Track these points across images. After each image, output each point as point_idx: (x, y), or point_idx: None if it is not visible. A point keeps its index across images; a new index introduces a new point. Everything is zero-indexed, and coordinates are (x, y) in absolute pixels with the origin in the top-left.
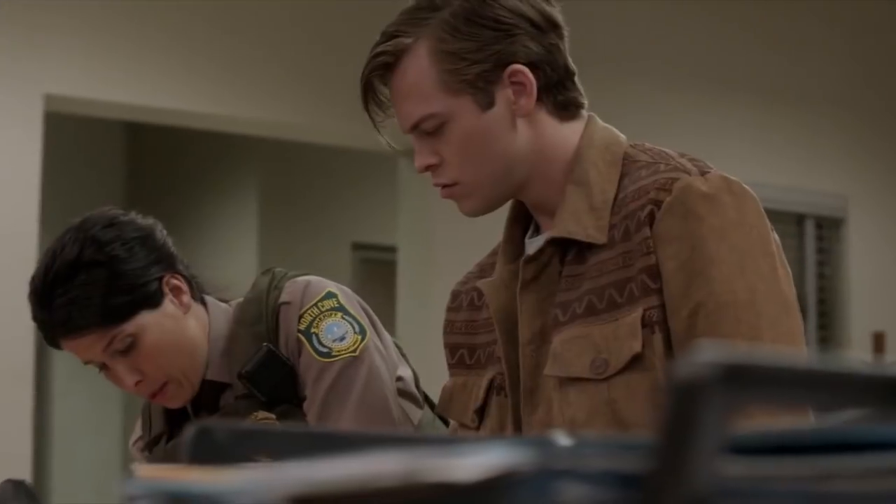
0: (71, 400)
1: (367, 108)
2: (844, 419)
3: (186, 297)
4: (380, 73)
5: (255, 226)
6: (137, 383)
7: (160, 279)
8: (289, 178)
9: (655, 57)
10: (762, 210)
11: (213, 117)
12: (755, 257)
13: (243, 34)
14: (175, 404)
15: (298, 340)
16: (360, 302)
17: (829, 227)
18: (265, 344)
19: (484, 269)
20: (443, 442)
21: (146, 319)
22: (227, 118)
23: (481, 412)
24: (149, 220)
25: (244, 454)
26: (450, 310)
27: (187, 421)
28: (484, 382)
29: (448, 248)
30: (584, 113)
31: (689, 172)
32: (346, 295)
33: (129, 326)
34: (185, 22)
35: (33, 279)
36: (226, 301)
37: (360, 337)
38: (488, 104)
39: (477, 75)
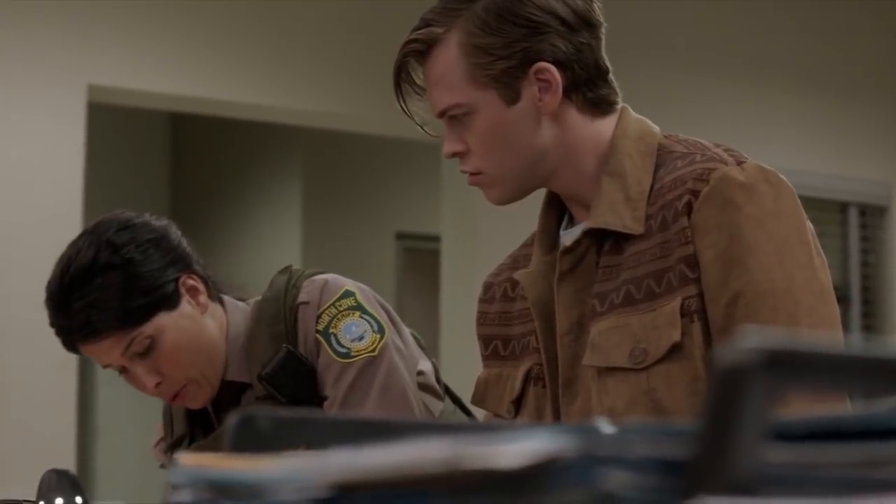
0: (115, 389)
1: (397, 91)
2: (888, 405)
3: (203, 297)
4: (412, 58)
5: (299, 216)
6: (157, 385)
7: (176, 280)
8: (332, 168)
9: (694, 44)
10: (797, 199)
11: (257, 107)
12: (792, 246)
13: (286, 24)
14: (196, 405)
15: (317, 341)
16: (379, 299)
17: (873, 215)
18: (285, 345)
19: (517, 261)
20: (486, 429)
21: (164, 321)
22: (271, 108)
23: (518, 403)
24: (163, 222)
25: (286, 442)
26: (482, 301)
27: (209, 422)
28: (520, 373)
29: (491, 237)
30: (618, 106)
31: (725, 162)
32: (363, 293)
33: (148, 328)
34: (229, 12)
35: (49, 284)
36: (243, 300)
37: (378, 336)
38: (513, 99)
39: (503, 71)
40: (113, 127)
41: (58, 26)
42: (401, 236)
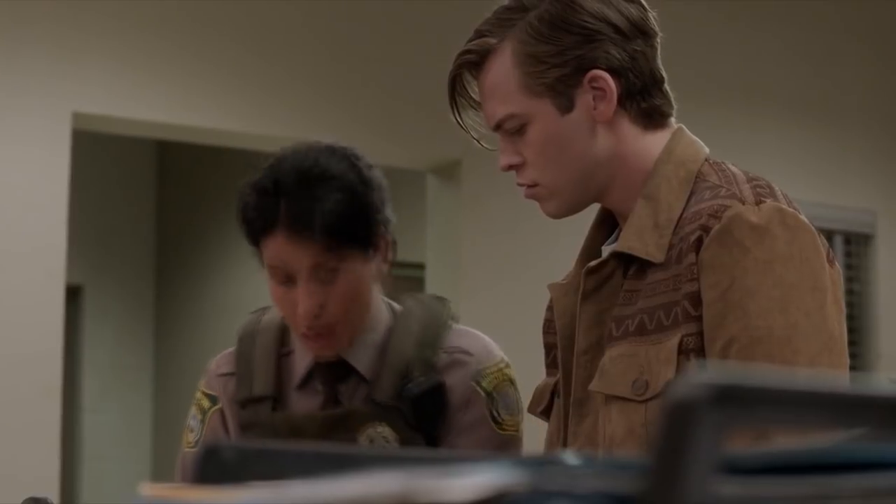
0: (100, 416)
1: (452, 104)
2: (842, 439)
3: (386, 266)
4: (466, 71)
5: None
6: (315, 315)
7: (386, 236)
8: None
9: (681, 71)
10: (818, 244)
11: (243, 135)
12: (802, 292)
13: (272, 53)
14: (323, 350)
15: (476, 393)
16: None
17: (858, 243)
18: (440, 378)
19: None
20: (443, 461)
21: (358, 263)
22: (257, 136)
23: (547, 414)
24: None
25: (250, 474)
26: (548, 309)
27: (294, 390)
28: (552, 384)
29: (476, 265)
30: (673, 123)
31: (743, 201)
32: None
33: (344, 262)
34: (213, 41)
35: (284, 165)
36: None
37: (521, 416)
38: (567, 108)
39: (557, 79)
40: (99, 154)
41: (43, 54)
42: None
